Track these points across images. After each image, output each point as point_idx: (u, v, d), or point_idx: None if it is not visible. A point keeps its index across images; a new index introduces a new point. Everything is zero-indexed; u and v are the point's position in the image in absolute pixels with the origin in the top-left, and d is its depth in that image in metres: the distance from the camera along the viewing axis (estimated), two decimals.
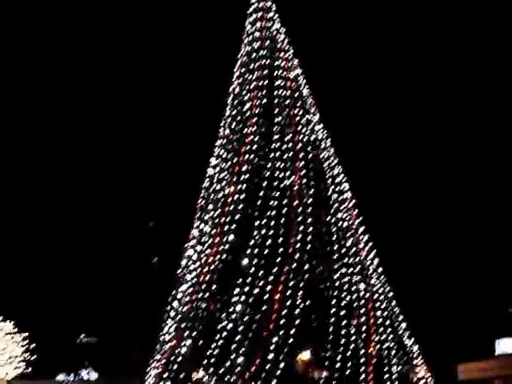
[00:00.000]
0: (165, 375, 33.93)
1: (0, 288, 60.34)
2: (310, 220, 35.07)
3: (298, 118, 37.68)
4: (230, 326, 32.64)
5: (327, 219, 36.10)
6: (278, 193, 35.03)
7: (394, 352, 34.72)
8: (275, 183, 35.28)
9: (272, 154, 35.91)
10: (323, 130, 38.60)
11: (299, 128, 37.46)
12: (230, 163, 36.34)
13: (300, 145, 36.89)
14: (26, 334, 53.51)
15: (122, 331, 67.14)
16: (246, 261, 34.02)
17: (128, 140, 71.74)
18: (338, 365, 32.28)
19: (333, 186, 37.22)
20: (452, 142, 58.23)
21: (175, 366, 33.64)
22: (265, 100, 37.23)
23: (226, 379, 31.38)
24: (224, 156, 36.91)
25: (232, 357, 31.55)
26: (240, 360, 31.44)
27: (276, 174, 35.54)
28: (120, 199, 67.62)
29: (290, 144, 36.55)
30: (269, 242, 33.95)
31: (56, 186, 65.21)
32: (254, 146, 35.85)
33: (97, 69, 71.27)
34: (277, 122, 36.87)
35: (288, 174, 35.75)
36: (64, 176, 66.63)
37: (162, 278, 58.69)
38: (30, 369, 52.20)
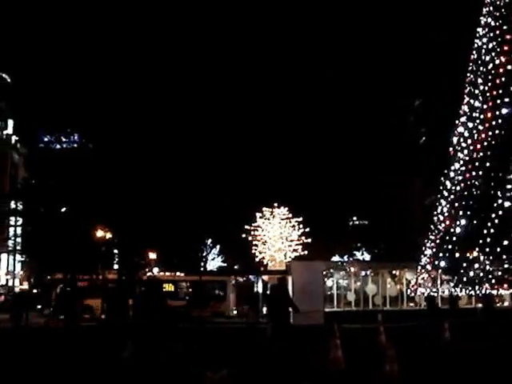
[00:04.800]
0: (440, 254, 35.61)
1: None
2: None
3: None
4: (508, 204, 33.04)
5: None
6: None
7: None
8: None
9: None
10: None
11: None
12: (498, 31, 35.54)
13: None
14: (301, 218, 58.78)
15: (387, 212, 69.91)
16: None
17: None
18: None
19: None
20: None
21: (450, 246, 35.07)
22: None
23: (503, 258, 32.22)
24: (492, 24, 36.08)
25: (510, 235, 32.12)
26: None
27: None
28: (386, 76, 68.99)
29: None
30: None
31: None
32: None
33: None
34: None
35: None
36: None
37: (429, 157, 59.72)
38: (306, 251, 57.66)
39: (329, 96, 70.48)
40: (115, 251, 54.08)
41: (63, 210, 50.11)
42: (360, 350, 21.13)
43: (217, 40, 72.25)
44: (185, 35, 73.71)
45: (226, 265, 79.94)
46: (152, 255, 56.86)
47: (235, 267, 75.66)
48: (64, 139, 78.48)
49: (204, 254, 77.66)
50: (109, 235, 47.23)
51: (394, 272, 45.94)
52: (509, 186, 33.33)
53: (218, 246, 79.98)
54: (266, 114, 70.62)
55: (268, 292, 38.05)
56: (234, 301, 50.53)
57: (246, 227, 57.28)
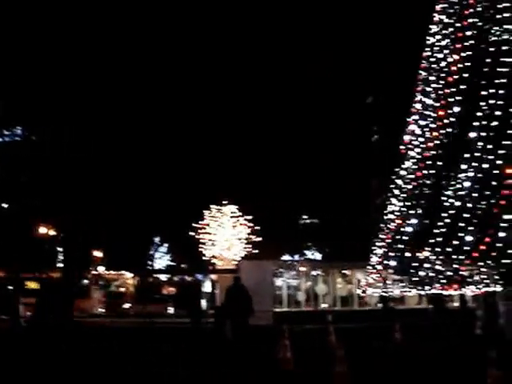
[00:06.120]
0: (390, 254, 35.66)
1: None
2: None
3: None
4: (458, 203, 33.17)
5: None
6: (510, 59, 33.90)
7: None
8: (503, 48, 34.17)
9: (500, 16, 34.63)
10: None
11: None
12: (452, 29, 35.74)
13: None
14: (250, 216, 58.60)
15: (339, 211, 70.29)
16: (473, 134, 33.91)
17: None
18: None
19: None
20: None
21: (400, 246, 35.13)
22: None
23: (453, 258, 32.33)
24: (445, 21, 36.27)
25: (460, 235, 32.26)
26: (468, 238, 32.09)
27: (505, 37, 34.34)
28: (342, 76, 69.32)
29: None
30: (498, 112, 33.45)
31: None
32: (479, 8, 34.80)
33: None
34: None
35: None
36: None
37: (381, 154, 60.09)
38: (256, 250, 57.52)
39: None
40: (59, 249, 53.13)
41: (4, 205, 48.93)
42: (309, 350, 20.96)
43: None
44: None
45: (174, 263, 79.39)
46: (97, 253, 56.07)
47: (182, 266, 75.11)
48: (6, 132, 76.74)
49: (151, 253, 76.97)
50: (52, 232, 46.30)
51: (344, 272, 46.01)
52: (459, 186, 33.49)
53: (165, 244, 79.35)
54: (219, 112, 70.16)
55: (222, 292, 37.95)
56: (99, 299, 54.65)
57: (194, 225, 56.76)
